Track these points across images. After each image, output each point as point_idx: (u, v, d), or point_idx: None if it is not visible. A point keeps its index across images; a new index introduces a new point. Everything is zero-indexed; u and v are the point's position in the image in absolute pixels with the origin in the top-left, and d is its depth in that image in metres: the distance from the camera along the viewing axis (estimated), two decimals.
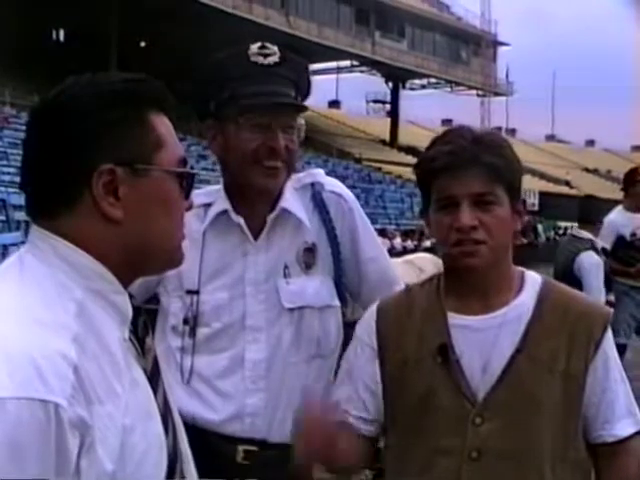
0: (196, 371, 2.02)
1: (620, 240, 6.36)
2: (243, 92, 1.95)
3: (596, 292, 5.50)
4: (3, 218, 14.64)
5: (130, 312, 1.16)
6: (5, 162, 19.17)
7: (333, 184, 2.14)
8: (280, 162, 1.97)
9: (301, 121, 2.04)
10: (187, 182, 1.19)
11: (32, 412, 0.94)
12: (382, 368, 1.75)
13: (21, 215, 14.72)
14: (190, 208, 1.22)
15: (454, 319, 1.69)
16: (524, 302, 1.70)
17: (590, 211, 6.04)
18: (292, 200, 2.05)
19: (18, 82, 30.78)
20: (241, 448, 2.00)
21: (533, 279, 1.75)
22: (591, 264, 5.65)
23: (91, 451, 0.99)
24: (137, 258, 1.15)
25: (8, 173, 17.70)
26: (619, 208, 6.46)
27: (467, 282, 1.70)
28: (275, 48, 2.01)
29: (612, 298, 6.06)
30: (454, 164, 1.63)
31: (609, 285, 5.95)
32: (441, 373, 1.67)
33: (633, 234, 6.56)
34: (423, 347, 1.70)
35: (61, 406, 0.96)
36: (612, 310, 1.81)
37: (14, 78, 30.93)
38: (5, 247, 12.07)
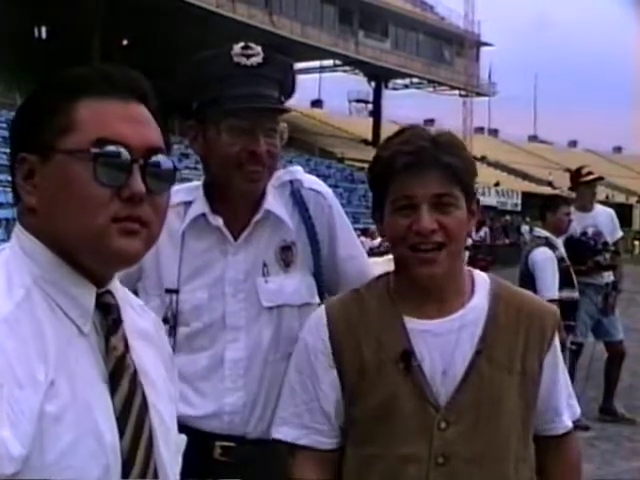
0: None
1: (570, 239, 6.45)
2: (224, 95, 1.92)
3: (548, 287, 5.62)
4: None
5: (91, 307, 1.13)
6: None
7: (312, 181, 2.13)
8: (262, 166, 1.95)
9: (283, 124, 2.02)
10: (101, 163, 1.09)
11: None
12: (340, 375, 1.70)
13: (2, 212, 14.64)
14: (122, 194, 1.10)
15: (412, 323, 1.66)
16: (479, 303, 1.70)
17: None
18: (273, 200, 2.03)
19: None
20: (218, 444, 2.00)
21: (482, 279, 1.75)
22: (543, 259, 5.78)
23: None
24: (65, 248, 1.11)
25: None
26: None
27: (422, 286, 1.68)
28: (259, 48, 1.98)
29: (576, 295, 6.09)
30: (414, 164, 1.60)
31: (570, 282, 6.00)
32: (403, 379, 1.64)
33: (583, 233, 6.67)
34: (382, 353, 1.66)
35: None
36: (556, 309, 1.81)
37: None
38: None
